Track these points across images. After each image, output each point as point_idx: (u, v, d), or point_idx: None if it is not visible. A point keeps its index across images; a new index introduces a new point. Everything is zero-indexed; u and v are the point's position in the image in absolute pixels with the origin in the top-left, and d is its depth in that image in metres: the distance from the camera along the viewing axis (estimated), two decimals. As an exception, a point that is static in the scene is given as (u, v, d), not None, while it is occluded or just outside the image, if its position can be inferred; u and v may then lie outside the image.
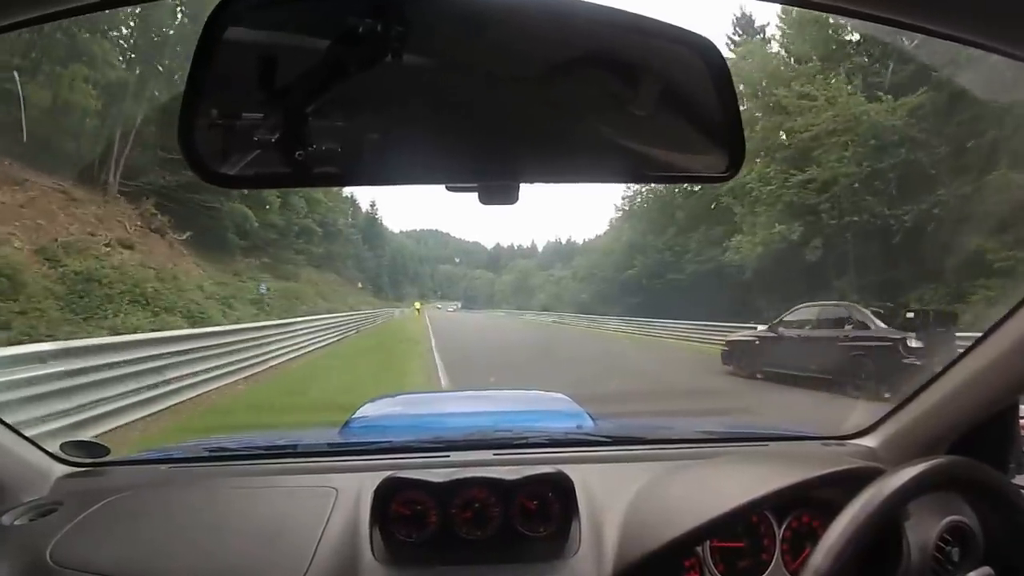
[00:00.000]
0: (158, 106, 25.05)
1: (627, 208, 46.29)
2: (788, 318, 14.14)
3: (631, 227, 43.19)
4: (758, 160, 27.34)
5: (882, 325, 11.96)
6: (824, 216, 24.69)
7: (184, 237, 23.72)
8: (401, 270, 70.89)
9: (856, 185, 24.19)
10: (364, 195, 62.59)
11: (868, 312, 12.55)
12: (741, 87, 30.57)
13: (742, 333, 15.79)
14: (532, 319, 52.79)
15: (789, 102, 26.46)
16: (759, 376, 13.77)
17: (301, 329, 20.02)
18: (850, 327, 12.42)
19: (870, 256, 23.42)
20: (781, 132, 27.15)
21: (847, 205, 24.17)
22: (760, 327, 15.33)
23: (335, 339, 23.94)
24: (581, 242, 72.15)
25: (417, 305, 58.19)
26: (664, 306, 32.16)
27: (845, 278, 23.99)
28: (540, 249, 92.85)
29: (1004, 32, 0.89)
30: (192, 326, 15.95)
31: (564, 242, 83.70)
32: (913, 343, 11.04)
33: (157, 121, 24.04)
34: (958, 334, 11.27)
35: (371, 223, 62.45)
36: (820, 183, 24.84)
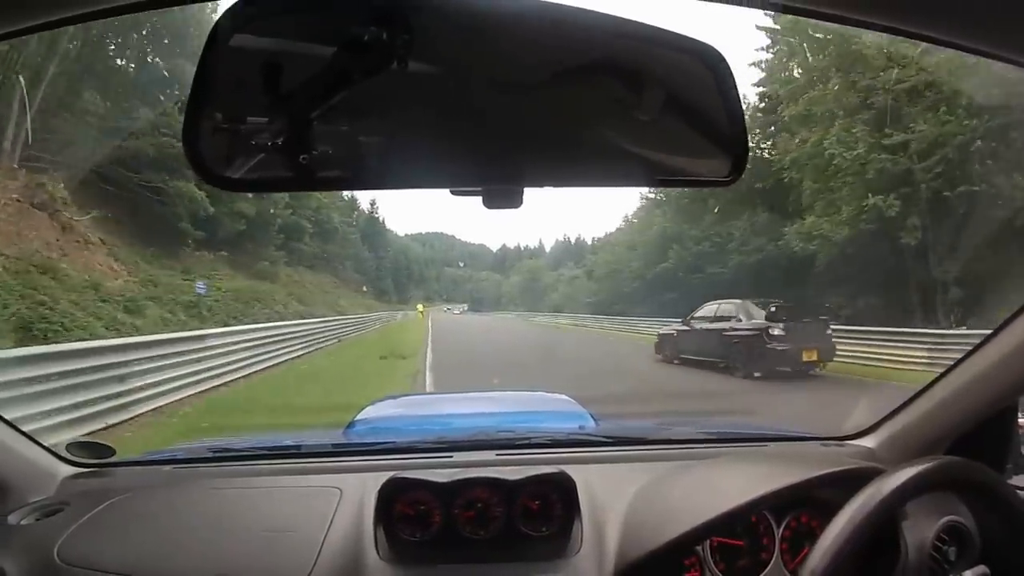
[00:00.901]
0: (86, 56, 21.51)
1: (652, 196, 39.40)
2: (697, 314, 16.76)
3: (663, 214, 37.27)
4: (837, 122, 21.62)
5: (758, 317, 14.62)
6: (925, 188, 19.13)
7: (86, 218, 17.74)
8: (405, 272, 67.56)
9: (978, 143, 18.36)
10: (364, 195, 58.55)
11: (751, 307, 15.34)
12: (790, 58, 26.98)
13: (669, 327, 18.38)
14: (546, 321, 47.97)
15: (873, 52, 20.54)
16: (676, 362, 16.61)
17: (235, 344, 13.94)
18: (734, 320, 15.28)
19: (989, 236, 17.33)
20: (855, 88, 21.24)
21: (958, 172, 18.56)
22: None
23: (297, 354, 17.99)
24: (590, 241, 69.80)
25: (420, 307, 54.06)
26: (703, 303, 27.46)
27: (950, 263, 18.53)
28: (548, 249, 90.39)
29: (1005, 38, 0.90)
30: (22, 343, 10.38)
31: (573, 241, 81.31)
32: (775, 331, 13.79)
33: (85, 78, 20.60)
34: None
35: (372, 223, 58.79)
36: (926, 144, 19.07)
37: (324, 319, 26.35)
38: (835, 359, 14.37)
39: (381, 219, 62.70)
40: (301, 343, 19.33)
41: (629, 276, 38.12)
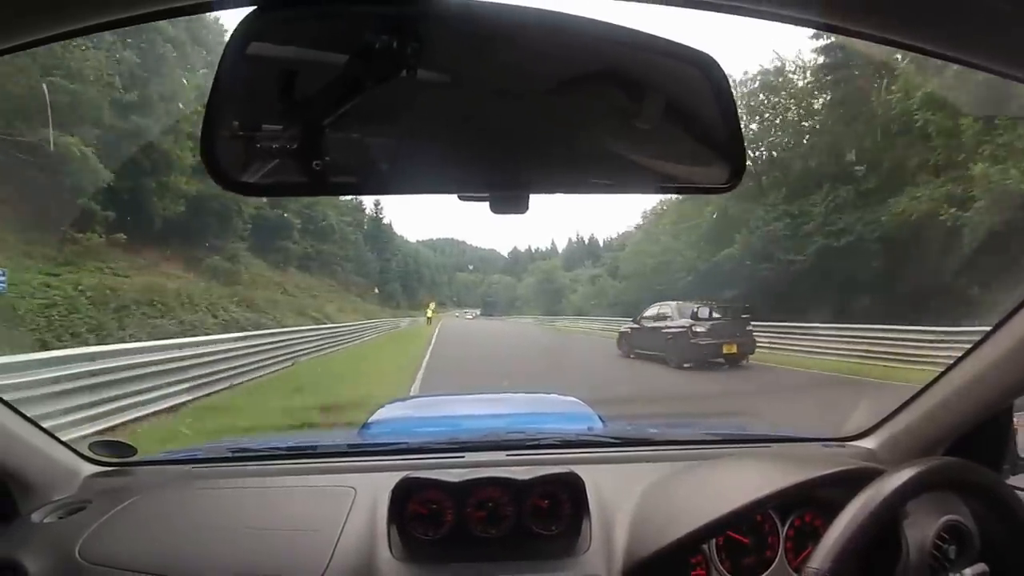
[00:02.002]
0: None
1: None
2: (645, 314, 19.08)
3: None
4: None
5: (688, 316, 16.77)
6: None
7: None
8: (415, 277, 64.95)
9: None
10: (368, 197, 57.40)
11: (684, 307, 17.62)
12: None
13: (626, 326, 20.59)
14: (568, 327, 40.97)
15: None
16: (632, 356, 18.80)
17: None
18: (669, 319, 17.64)
19: None
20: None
21: None
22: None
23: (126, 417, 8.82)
24: (603, 240, 67.92)
25: (429, 313, 49.62)
26: (776, 300, 21.50)
27: None
28: (560, 250, 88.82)
29: (1003, 52, 0.92)
30: None
31: (587, 241, 79.85)
32: (697, 329, 16.23)
33: None
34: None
35: (376, 225, 55.47)
36: None
37: (273, 332, 17.93)
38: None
39: (387, 221, 59.32)
40: (188, 380, 10.83)
41: (681, 267, 31.40)
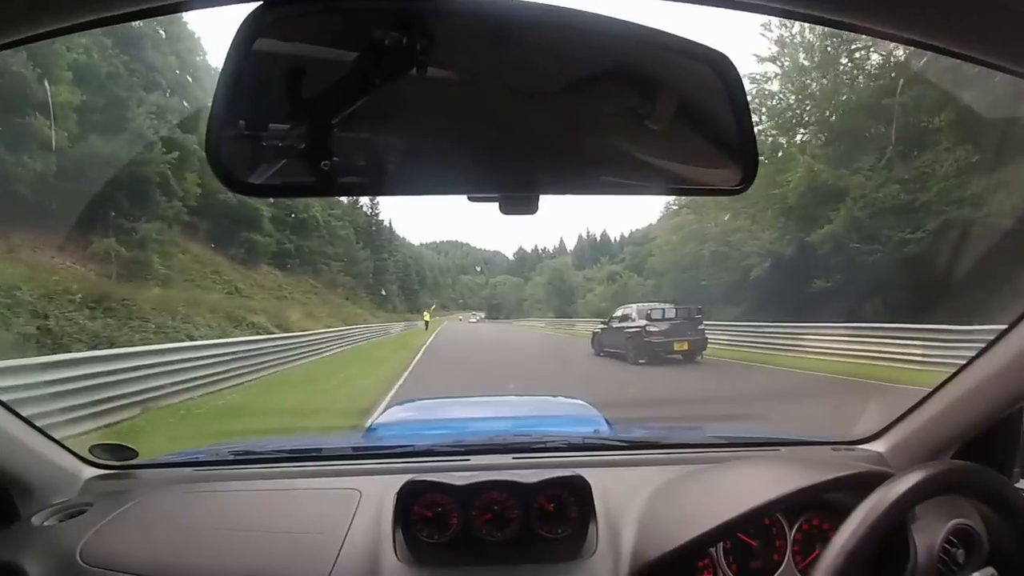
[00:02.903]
0: None
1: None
2: (613, 315, 20.80)
3: (806, 147, 24.25)
4: None
5: (644, 318, 18.45)
6: None
7: None
8: (417, 279, 64.23)
9: None
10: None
11: (643, 309, 19.37)
12: None
13: (598, 326, 22.20)
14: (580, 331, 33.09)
15: None
16: (601, 354, 20.22)
17: None
18: (630, 320, 19.21)
19: None
20: None
21: None
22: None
23: None
24: (615, 237, 66.21)
25: (426, 316, 45.50)
26: (879, 296, 18.05)
27: None
28: (570, 248, 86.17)
29: (1004, 49, 0.92)
30: None
31: (599, 237, 77.93)
32: (651, 328, 17.91)
33: None
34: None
35: (372, 223, 51.97)
36: None
37: (104, 356, 10.01)
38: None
39: (383, 219, 55.83)
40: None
41: (754, 252, 25.16)
